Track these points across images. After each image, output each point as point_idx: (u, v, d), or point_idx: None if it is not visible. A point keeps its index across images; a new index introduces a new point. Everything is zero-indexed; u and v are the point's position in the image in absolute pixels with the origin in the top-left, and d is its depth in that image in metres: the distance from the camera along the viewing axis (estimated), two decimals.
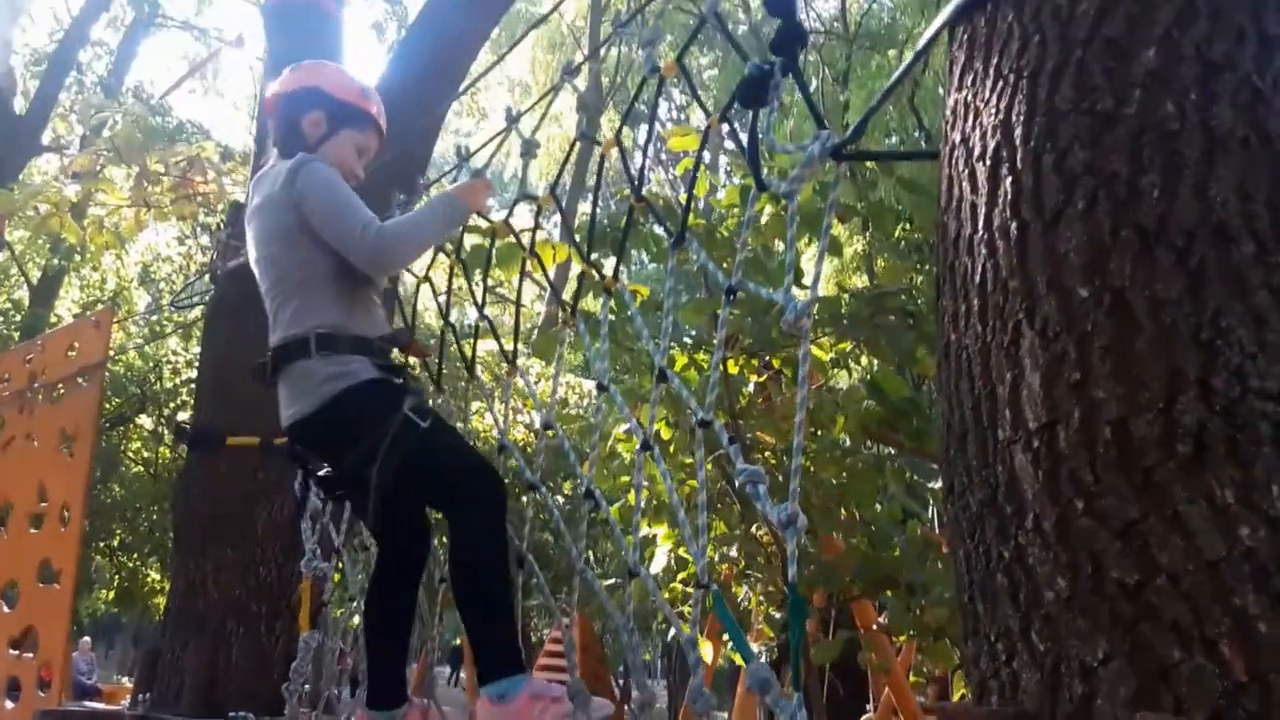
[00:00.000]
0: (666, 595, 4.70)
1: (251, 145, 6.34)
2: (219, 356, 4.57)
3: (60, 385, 4.55)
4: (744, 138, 2.13)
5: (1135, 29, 1.24)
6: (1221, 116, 1.20)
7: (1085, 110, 1.24)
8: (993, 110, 1.33)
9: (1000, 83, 1.32)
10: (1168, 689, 1.12)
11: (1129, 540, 1.16)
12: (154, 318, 10.65)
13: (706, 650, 5.04)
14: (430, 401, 2.68)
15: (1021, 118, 1.29)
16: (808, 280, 3.51)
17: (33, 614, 4.32)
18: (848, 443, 4.05)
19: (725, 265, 3.19)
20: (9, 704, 4.28)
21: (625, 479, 4.60)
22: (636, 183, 2.44)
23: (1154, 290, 1.18)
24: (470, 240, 3.46)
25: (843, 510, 4.30)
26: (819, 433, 4.13)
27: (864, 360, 3.83)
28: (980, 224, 1.33)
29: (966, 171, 1.36)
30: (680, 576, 4.59)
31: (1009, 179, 1.29)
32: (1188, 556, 1.13)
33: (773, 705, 1.99)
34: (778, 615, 4.14)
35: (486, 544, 2.35)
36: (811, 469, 4.03)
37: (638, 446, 2.30)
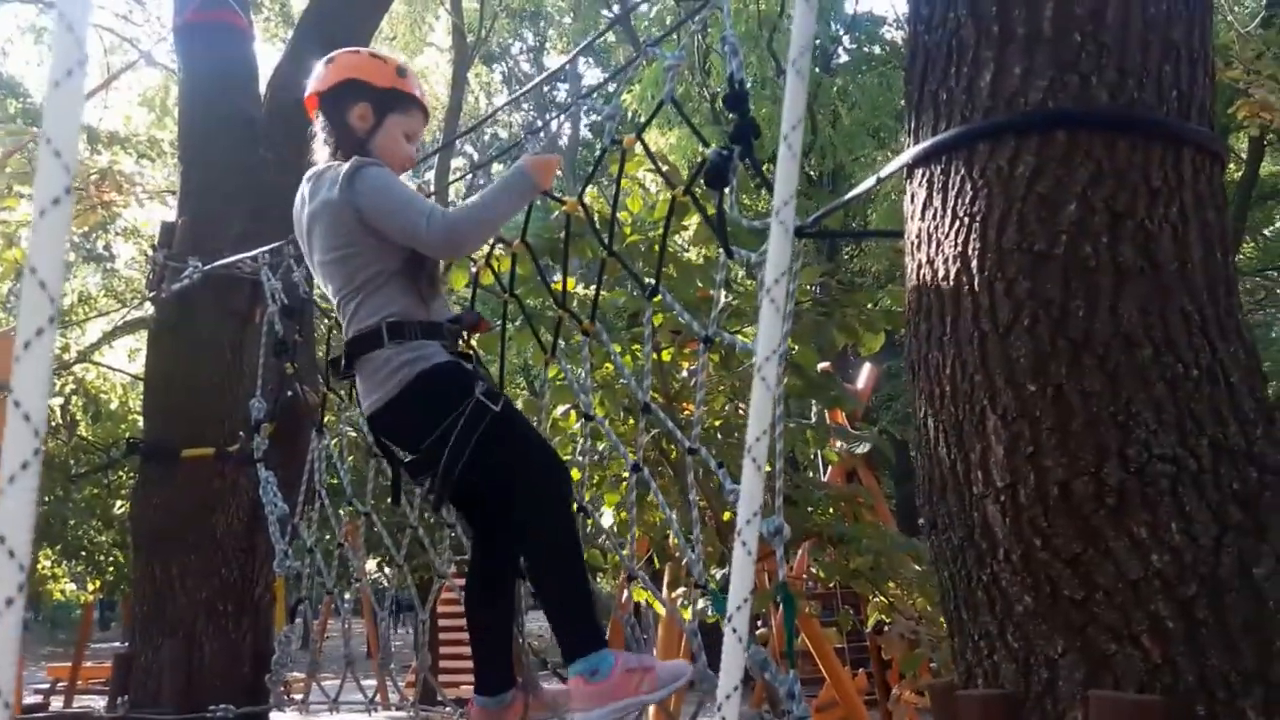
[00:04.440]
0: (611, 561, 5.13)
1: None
2: (166, 374, 4.74)
3: None
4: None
5: (1060, 188, 1.65)
6: (1125, 254, 1.64)
7: (1026, 249, 1.66)
8: (952, 243, 1.74)
9: (957, 222, 1.73)
10: (1108, 672, 1.58)
11: (1075, 567, 1.62)
12: None
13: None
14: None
15: (976, 253, 1.70)
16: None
17: None
18: None
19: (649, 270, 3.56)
20: None
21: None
22: (608, 239, 2.77)
23: (1083, 386, 1.62)
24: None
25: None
26: (741, 409, 4.57)
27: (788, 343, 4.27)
28: (948, 328, 1.74)
29: (933, 288, 1.77)
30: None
31: (969, 299, 1.71)
32: (1117, 577, 1.59)
33: (771, 681, 2.44)
34: (717, 572, 4.61)
35: (550, 538, 2.44)
36: (737, 437, 4.48)
37: (629, 470, 2.68)
